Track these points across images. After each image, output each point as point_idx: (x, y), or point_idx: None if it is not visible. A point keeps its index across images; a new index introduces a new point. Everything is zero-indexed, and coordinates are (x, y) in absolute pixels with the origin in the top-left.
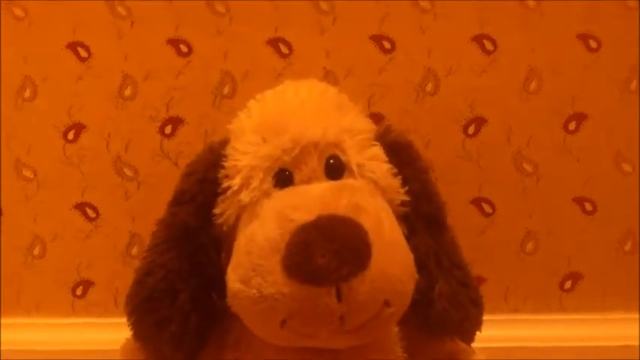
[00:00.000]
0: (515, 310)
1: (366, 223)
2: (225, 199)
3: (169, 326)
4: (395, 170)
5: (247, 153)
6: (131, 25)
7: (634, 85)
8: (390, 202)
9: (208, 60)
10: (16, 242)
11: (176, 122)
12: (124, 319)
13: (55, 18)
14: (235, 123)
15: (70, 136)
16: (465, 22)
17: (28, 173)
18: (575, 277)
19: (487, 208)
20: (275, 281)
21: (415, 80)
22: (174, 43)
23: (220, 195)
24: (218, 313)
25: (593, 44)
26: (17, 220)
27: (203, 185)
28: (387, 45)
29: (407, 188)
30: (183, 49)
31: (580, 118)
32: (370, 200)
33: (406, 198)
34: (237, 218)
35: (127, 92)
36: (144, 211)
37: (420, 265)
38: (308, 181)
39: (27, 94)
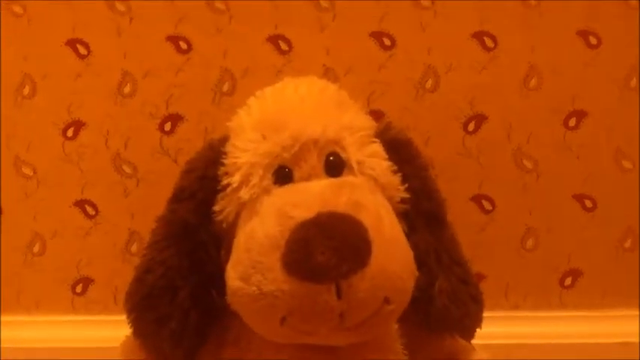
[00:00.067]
0: (516, 307)
1: (366, 220)
2: (224, 197)
3: (169, 323)
4: (395, 167)
5: (247, 150)
6: (130, 22)
7: (634, 82)
8: (389, 199)
9: (208, 57)
10: (15, 240)
11: (176, 119)
12: (123, 317)
13: (54, 15)
14: (235, 120)
15: (70, 133)
16: (465, 19)
17: (27, 171)
18: (576, 274)
19: (487, 205)
20: (275, 278)
21: (415, 77)
22: (173, 40)
23: (220, 192)
24: (218, 311)
25: (593, 41)
26: (17, 217)
27: (203, 182)
28: (387, 42)
29: (407, 185)
30: (183, 46)
31: (580, 115)
32: (370, 197)
33: (406, 195)
34: (237, 215)
35: (127, 89)
36: (143, 208)
37: (420, 262)
38: (308, 178)
39: (26, 91)
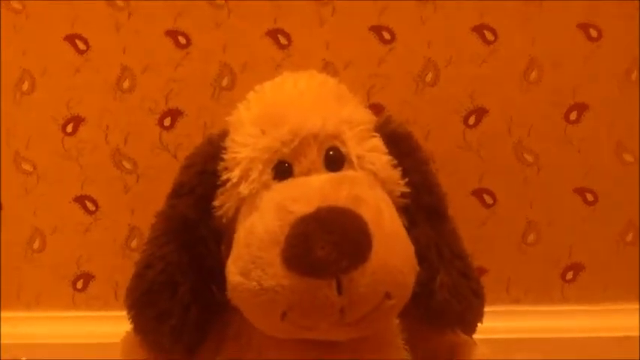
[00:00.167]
0: (517, 302)
1: (366, 214)
2: (224, 192)
3: (169, 319)
4: (395, 162)
5: (246, 145)
6: (129, 17)
7: (635, 75)
8: (390, 193)
9: (207, 51)
10: (16, 236)
11: (175, 114)
12: (124, 312)
13: (53, 11)
14: (234, 115)
15: (69, 129)
16: (465, 12)
17: (27, 167)
18: (577, 268)
19: (488, 199)
20: (275, 273)
21: (415, 71)
22: (172, 34)
23: (220, 187)
24: (218, 306)
25: (593, 34)
26: (17, 213)
27: (202, 177)
28: (386, 36)
29: (407, 179)
30: (182, 40)
31: (581, 108)
32: (370, 192)
33: (406, 189)
34: (237, 210)
35: (126, 84)
36: (143, 203)
37: (421, 256)
38: (307, 172)
39: (25, 87)
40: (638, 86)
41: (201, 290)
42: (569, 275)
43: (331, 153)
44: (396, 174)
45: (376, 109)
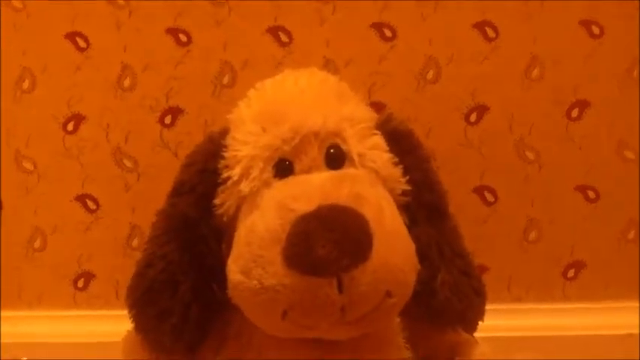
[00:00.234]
0: (518, 300)
1: (367, 212)
2: (225, 190)
3: (170, 318)
4: (396, 159)
5: (247, 143)
6: (129, 15)
7: (636, 72)
8: (391, 191)
9: (208, 49)
10: (16, 235)
11: (176, 112)
12: (125, 311)
13: (54, 9)
14: (235, 113)
15: (70, 127)
16: (467, 10)
17: (28, 165)
18: (578, 265)
19: (489, 197)
20: (276, 272)
21: (416, 68)
22: (173, 32)
23: (220, 185)
24: (219, 305)
25: (595, 31)
26: (18, 212)
27: (203, 176)
28: (387, 33)
29: (408, 177)
30: (183, 38)
31: (582, 105)
32: (371, 190)
33: (407, 187)
34: (238, 209)
35: (127, 82)
36: (144, 202)
37: (422, 254)
38: (308, 170)
39: (26, 85)
40: (639, 83)
41: (202, 289)
42: (571, 273)
43: (332, 151)
44: (397, 172)
45: (377, 106)
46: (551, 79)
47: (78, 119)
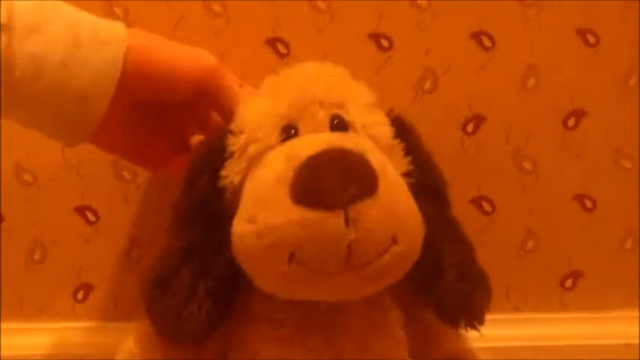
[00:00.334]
0: (517, 309)
1: (373, 162)
2: (232, 162)
3: (188, 303)
4: (399, 139)
5: (253, 112)
6: (128, 27)
7: (633, 80)
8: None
9: None
10: (16, 247)
11: None
12: (125, 323)
13: None
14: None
15: None
16: (463, 19)
17: (28, 177)
18: (576, 275)
19: (487, 207)
20: (282, 210)
21: (413, 79)
22: None
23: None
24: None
25: (591, 40)
26: (17, 224)
27: (211, 155)
28: (385, 43)
29: (411, 158)
30: None
31: (579, 114)
32: (375, 149)
33: (410, 167)
34: (244, 178)
35: None
36: (144, 213)
37: (427, 235)
38: (314, 133)
39: None
40: (636, 91)
41: (221, 275)
42: (569, 283)
43: (336, 121)
44: (400, 151)
45: None
46: (548, 88)
47: None
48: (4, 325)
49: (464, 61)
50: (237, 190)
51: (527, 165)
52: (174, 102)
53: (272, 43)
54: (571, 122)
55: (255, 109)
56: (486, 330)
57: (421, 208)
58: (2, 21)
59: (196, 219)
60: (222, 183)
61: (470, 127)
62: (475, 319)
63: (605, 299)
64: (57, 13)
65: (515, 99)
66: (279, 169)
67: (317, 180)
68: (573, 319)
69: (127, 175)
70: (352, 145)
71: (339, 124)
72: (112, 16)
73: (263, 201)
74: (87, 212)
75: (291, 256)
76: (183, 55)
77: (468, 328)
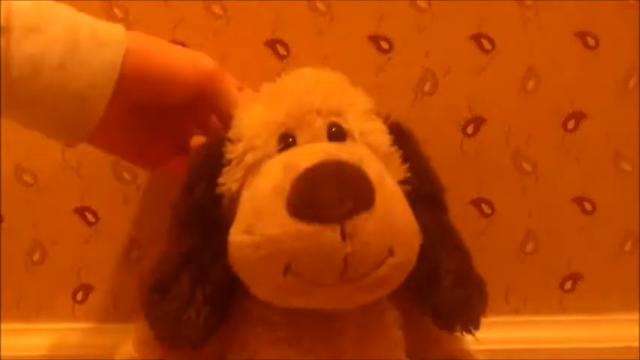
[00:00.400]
0: (516, 312)
1: (370, 173)
2: (229, 170)
3: (187, 308)
4: (396, 147)
5: (251, 119)
6: (128, 29)
7: (632, 82)
8: (391, 175)
9: None
10: (16, 247)
11: None
12: (124, 324)
13: None
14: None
15: None
16: (463, 21)
17: (28, 178)
18: (576, 277)
19: (486, 209)
20: (279, 222)
21: (413, 80)
22: None
23: (226, 166)
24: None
25: (591, 42)
26: (17, 225)
27: (209, 160)
28: (384, 45)
29: (408, 165)
30: None
31: (579, 116)
32: (373, 158)
33: (407, 174)
34: (241, 186)
35: None
36: (144, 214)
37: (424, 243)
38: (311, 142)
39: None
40: (636, 94)
41: (219, 281)
42: (568, 285)
43: (333, 130)
44: (397, 159)
45: None
46: (548, 90)
47: None
48: (3, 326)
49: (464, 62)
50: (235, 198)
51: (527, 167)
52: (173, 105)
53: (272, 44)
54: (571, 124)
55: (253, 117)
56: (485, 332)
57: (418, 215)
58: (1, 23)
59: (194, 225)
60: (219, 190)
61: (470, 129)
62: (471, 324)
63: (604, 302)
64: (55, 15)
65: (515, 101)
66: (276, 179)
67: (314, 193)
68: (573, 321)
69: (127, 176)
70: (349, 156)
71: (337, 133)
72: (112, 16)
73: (260, 211)
74: (87, 213)
75: (287, 268)
76: (183, 59)
77: (464, 333)
